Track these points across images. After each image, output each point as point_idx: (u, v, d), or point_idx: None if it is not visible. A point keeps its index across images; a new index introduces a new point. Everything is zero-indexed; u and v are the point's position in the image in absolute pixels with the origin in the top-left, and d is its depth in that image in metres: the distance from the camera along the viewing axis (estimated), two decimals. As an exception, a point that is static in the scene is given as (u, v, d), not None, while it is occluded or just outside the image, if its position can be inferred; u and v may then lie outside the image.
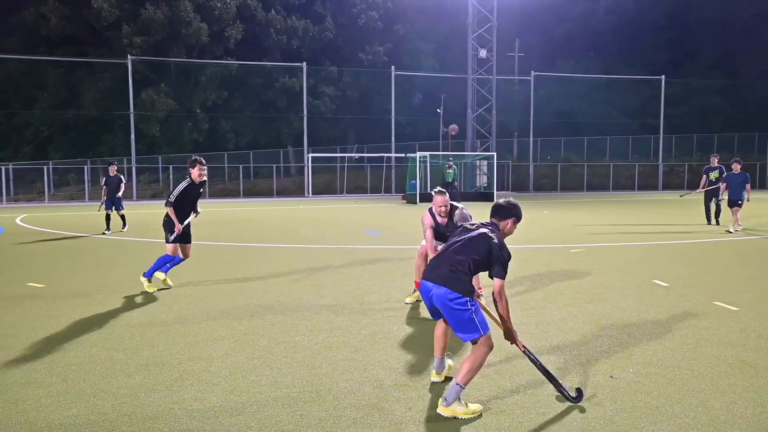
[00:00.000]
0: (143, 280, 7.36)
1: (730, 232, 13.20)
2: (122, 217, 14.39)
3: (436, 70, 40.59)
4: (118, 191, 14.12)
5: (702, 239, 12.41)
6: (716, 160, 15.05)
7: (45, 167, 31.86)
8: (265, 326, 5.73)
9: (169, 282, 7.58)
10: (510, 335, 3.85)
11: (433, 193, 6.56)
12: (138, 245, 12.12)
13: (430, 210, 6.53)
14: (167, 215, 7.36)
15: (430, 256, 6.35)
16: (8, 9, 37.95)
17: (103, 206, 14.23)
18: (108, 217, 14.15)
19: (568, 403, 3.81)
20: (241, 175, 34.44)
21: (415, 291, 6.84)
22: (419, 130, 40.28)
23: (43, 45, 36.87)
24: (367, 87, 41.02)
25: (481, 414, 3.67)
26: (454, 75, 37.51)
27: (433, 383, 4.23)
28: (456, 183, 27.92)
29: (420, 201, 25.34)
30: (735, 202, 13.55)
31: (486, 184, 31.94)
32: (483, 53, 34.37)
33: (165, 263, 7.43)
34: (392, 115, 35.65)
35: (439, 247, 6.57)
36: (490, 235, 3.83)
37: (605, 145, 42.54)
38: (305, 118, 35.06)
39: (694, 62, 46.00)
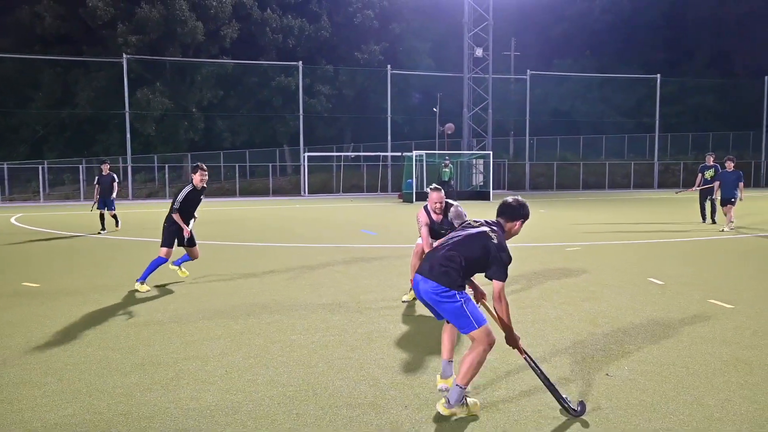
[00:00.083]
0: (137, 285, 7.36)
1: (724, 231, 13.24)
2: (113, 216, 14.31)
3: (432, 69, 40.62)
4: (111, 190, 14.04)
5: (697, 238, 12.45)
6: (712, 159, 15.10)
7: (40, 167, 31.77)
8: (261, 325, 5.73)
9: (186, 272, 7.97)
10: (511, 340, 3.70)
11: (428, 189, 6.59)
12: (133, 244, 12.09)
13: (425, 208, 6.56)
14: (169, 221, 7.52)
15: (426, 251, 6.37)
16: (2, 8, 37.77)
17: (96, 206, 14.16)
18: (102, 217, 14.10)
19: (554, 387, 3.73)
20: (237, 175, 34.40)
21: (411, 290, 6.86)
22: (415, 129, 40.31)
23: (38, 44, 36.70)
24: (363, 86, 41.00)
25: (477, 411, 3.65)
26: (451, 74, 37.52)
27: (433, 384, 4.23)
28: (452, 182, 27.97)
29: (416, 200, 25.36)
30: (728, 200, 13.59)
31: (482, 183, 31.98)
32: (479, 52, 34.38)
33: (157, 266, 7.48)
34: (388, 114, 35.67)
35: (436, 243, 6.62)
36: (489, 234, 3.65)
37: (601, 144, 42.66)
38: (301, 117, 35.05)
39: (690, 61, 46.12)
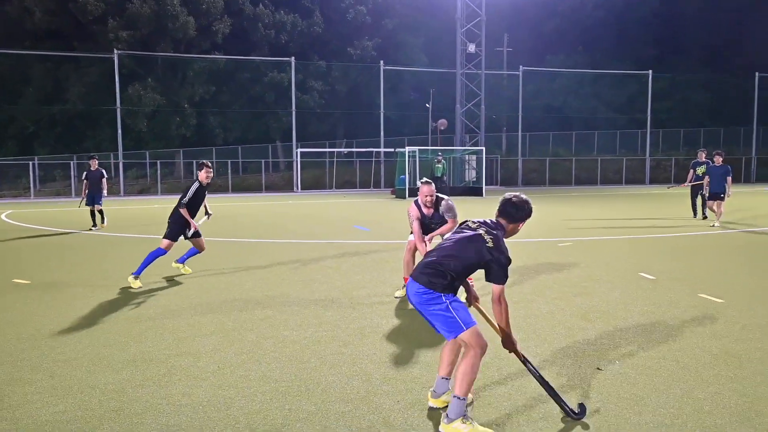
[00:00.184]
0: (131, 279, 7.35)
1: (715, 226, 13.33)
2: (100, 212, 14.09)
3: (425, 64, 40.58)
4: (100, 186, 13.94)
5: (688, 233, 12.53)
6: (704, 155, 15.17)
7: (30, 163, 31.54)
8: (253, 321, 5.72)
9: (189, 269, 8.12)
10: (509, 343, 3.53)
11: (419, 183, 6.63)
12: (125, 241, 12.04)
13: (416, 202, 6.60)
14: (175, 215, 7.71)
15: (419, 246, 6.42)
16: (-9, 3, 37.43)
17: (84, 202, 14.05)
18: (93, 213, 14.00)
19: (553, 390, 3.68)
20: (229, 171, 34.28)
21: (404, 286, 6.87)
22: (408, 124, 40.27)
23: (28, 39, 36.39)
24: (355, 82, 40.91)
25: None
26: (443, 70, 37.52)
27: (425, 379, 4.24)
28: (445, 177, 28.02)
29: (409, 195, 25.37)
30: (717, 195, 13.67)
31: (475, 179, 32.01)
32: (472, 48, 34.38)
33: (155, 258, 7.55)
34: (381, 110, 35.63)
35: (429, 246, 6.63)
36: (484, 237, 3.44)
37: (593, 140, 42.79)
38: (294, 112, 34.95)
39: (681, 57, 46.31)
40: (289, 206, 22.18)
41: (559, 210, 18.71)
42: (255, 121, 39.55)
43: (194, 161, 33.85)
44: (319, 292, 6.96)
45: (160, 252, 7.58)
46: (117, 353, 4.80)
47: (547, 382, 3.62)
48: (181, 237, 7.82)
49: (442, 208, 6.53)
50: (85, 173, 14.22)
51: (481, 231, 3.50)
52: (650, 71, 39.19)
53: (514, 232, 3.63)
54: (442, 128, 33.74)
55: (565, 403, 3.56)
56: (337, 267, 8.63)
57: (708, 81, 43.44)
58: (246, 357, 4.69)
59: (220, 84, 38.21)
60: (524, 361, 3.63)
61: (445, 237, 3.72)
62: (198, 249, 8.04)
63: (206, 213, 8.26)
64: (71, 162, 32.58)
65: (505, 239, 3.56)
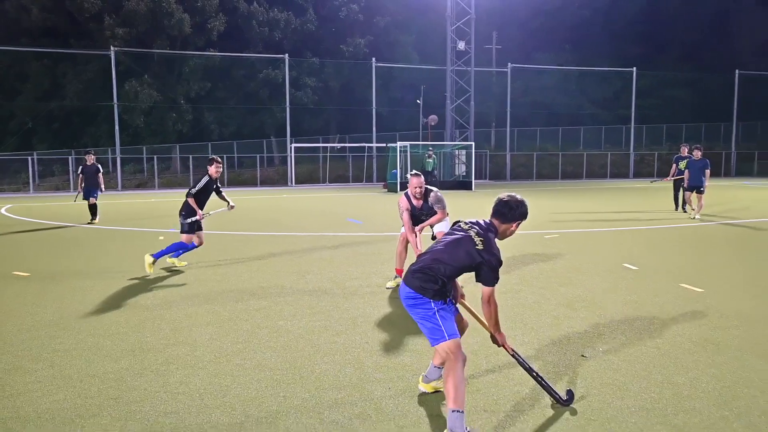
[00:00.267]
0: (148, 258, 7.61)
1: (695, 219, 13.43)
2: (94, 206, 13.83)
3: (416, 62, 40.47)
4: (96, 181, 13.81)
5: (670, 225, 12.62)
6: (686, 150, 15.25)
7: (29, 158, 31.26)
8: (248, 311, 5.72)
9: (183, 264, 8.12)
10: (498, 337, 3.50)
11: (408, 176, 6.67)
12: (122, 234, 11.99)
13: (406, 194, 6.66)
14: (186, 208, 7.86)
15: (409, 237, 6.49)
16: (-12, 1, 36.99)
17: (80, 195, 13.92)
18: (90, 206, 13.89)
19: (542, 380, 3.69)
20: (225, 165, 33.90)
21: (396, 277, 6.89)
22: (400, 120, 40.22)
23: (25, 37, 35.97)
24: (348, 78, 40.76)
25: None
26: (434, 66, 37.44)
27: (416, 366, 4.26)
28: (435, 172, 28.04)
29: (400, 189, 25.36)
30: (696, 188, 13.82)
31: (464, 173, 32.03)
32: (461, 45, 34.31)
33: (178, 249, 7.87)
34: (373, 106, 35.54)
35: (419, 235, 6.67)
36: (474, 239, 3.29)
37: (579, 135, 42.91)
38: (288, 108, 34.80)
39: (664, 55, 46.49)
40: (284, 200, 22.13)
41: (546, 203, 18.77)
42: (250, 117, 39.36)
43: (190, 156, 33.76)
44: (313, 283, 6.96)
45: (182, 245, 7.87)
46: (116, 343, 4.79)
47: (535, 372, 3.60)
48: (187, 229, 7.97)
49: (430, 200, 6.57)
50: (81, 168, 14.07)
51: (471, 233, 3.35)
52: (634, 69, 39.29)
53: (507, 233, 3.45)
54: (433, 124, 33.72)
55: (553, 390, 3.57)
56: (331, 259, 8.64)
57: (690, 78, 43.64)
58: (241, 346, 4.69)
59: (216, 80, 37.96)
60: (513, 354, 3.59)
61: (438, 239, 3.55)
62: (196, 243, 8.04)
63: (228, 205, 8.35)
64: (69, 157, 32.33)
65: (501, 239, 3.42)
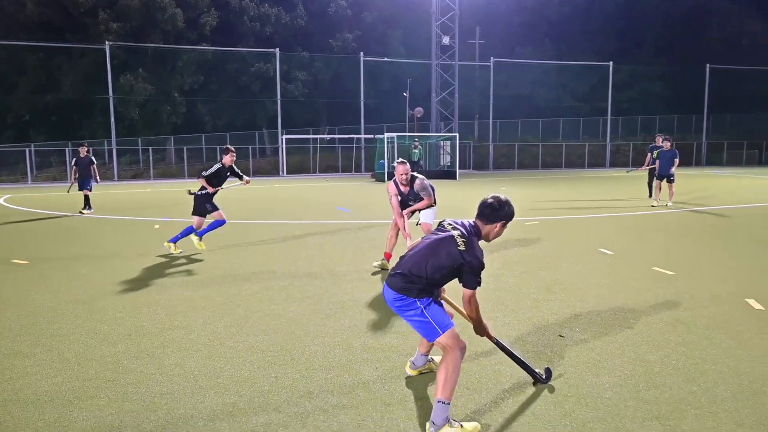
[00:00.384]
0: (168, 244, 7.92)
1: (669, 206, 13.56)
2: (87, 197, 13.53)
3: (403, 56, 40.28)
4: (90, 172, 13.58)
5: (644, 212, 12.73)
6: (660, 140, 15.36)
7: (27, 149, 30.80)
8: (241, 296, 5.71)
9: (179, 249, 8.10)
10: (480, 330, 3.38)
11: (395, 164, 6.80)
12: (119, 223, 11.87)
13: (394, 181, 6.78)
14: (201, 189, 8.09)
15: (397, 220, 6.62)
16: (-16, -5, 36.13)
17: (75, 186, 13.72)
18: (85, 197, 13.71)
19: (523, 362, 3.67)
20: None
21: (382, 259, 6.94)
22: (387, 112, 40.08)
23: (21, 31, 35.27)
24: (337, 72, 40.53)
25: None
26: (420, 61, 37.29)
27: (402, 347, 4.27)
28: (421, 162, 28.02)
29: (387, 179, 25.32)
30: (667, 177, 13.99)
31: (449, 163, 32.04)
32: (446, 40, 34.16)
33: (190, 232, 7.99)
34: (361, 99, 35.38)
35: (407, 218, 6.71)
36: (456, 240, 3.11)
37: (558, 127, 43.05)
38: (279, 101, 34.56)
39: (640, 50, 46.67)
40: (276, 189, 22.03)
41: (527, 192, 18.85)
42: (242, 109, 39.02)
43: (185, 147, 33.45)
44: (304, 269, 6.95)
45: (192, 229, 7.99)
46: (113, 328, 4.76)
47: (516, 355, 3.57)
48: (200, 219, 8.12)
49: (416, 186, 6.68)
50: (74, 159, 13.85)
51: (454, 233, 3.15)
52: (611, 63, 39.42)
53: (492, 234, 3.22)
54: (419, 116, 33.65)
55: (533, 369, 3.58)
56: (320, 245, 8.62)
57: (664, 72, 43.88)
58: (235, 329, 4.68)
59: (209, 74, 37.53)
60: (496, 342, 3.52)
61: (422, 237, 3.42)
62: (195, 227, 8.09)
63: (243, 179, 8.63)
64: (66, 149, 31.84)
65: (487, 241, 3.24)
